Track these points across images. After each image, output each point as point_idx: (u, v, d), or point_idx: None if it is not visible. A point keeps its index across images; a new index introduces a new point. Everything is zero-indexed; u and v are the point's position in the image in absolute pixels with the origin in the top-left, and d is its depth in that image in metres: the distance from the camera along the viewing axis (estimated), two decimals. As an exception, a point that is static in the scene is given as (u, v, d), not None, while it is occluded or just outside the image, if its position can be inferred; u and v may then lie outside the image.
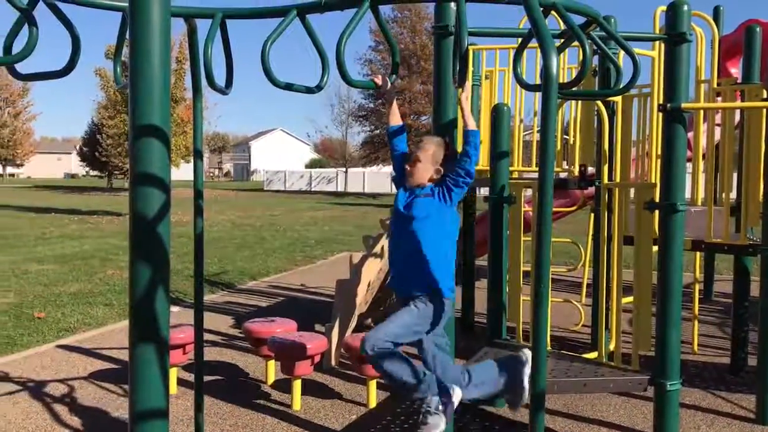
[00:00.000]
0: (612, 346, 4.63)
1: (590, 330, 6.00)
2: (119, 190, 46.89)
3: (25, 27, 2.61)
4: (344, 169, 57.47)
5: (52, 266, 11.12)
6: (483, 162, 6.17)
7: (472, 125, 3.28)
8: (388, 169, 54.81)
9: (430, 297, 3.38)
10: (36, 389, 4.96)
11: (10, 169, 73.66)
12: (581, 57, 2.57)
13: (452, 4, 3.51)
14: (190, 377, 5.05)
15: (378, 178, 56.31)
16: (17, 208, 27.80)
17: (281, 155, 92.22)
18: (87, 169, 63.25)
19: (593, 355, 4.71)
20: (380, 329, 3.37)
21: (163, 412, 2.38)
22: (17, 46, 2.61)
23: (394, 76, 3.12)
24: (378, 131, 48.78)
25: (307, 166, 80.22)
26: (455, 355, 3.84)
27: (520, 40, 5.18)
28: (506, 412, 4.57)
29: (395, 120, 3.53)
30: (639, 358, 4.17)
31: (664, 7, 3.83)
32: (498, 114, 4.72)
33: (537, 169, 6.22)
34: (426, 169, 3.38)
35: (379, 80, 3.31)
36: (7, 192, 45.74)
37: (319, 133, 75.50)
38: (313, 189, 59.28)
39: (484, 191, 8.52)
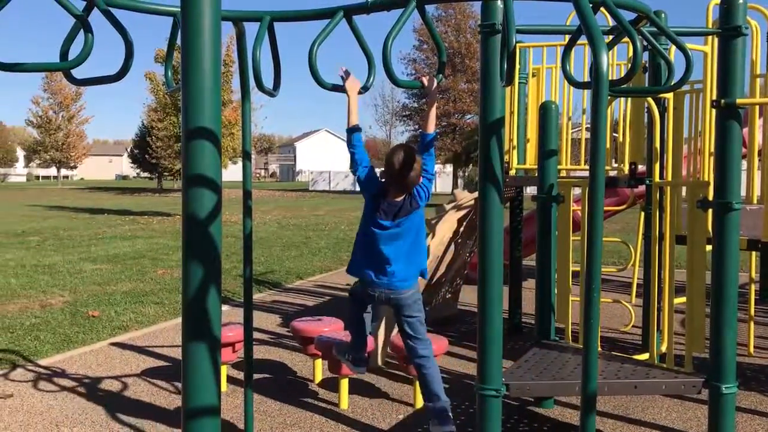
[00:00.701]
0: (664, 348, 4.54)
1: (641, 331, 5.88)
2: (169, 191, 47.88)
3: (81, 33, 2.69)
4: (389, 169, 57.51)
5: (105, 266, 11.41)
6: (530, 161, 6.11)
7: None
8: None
9: None
10: (91, 385, 5.10)
11: (64, 171, 75.82)
12: (631, 53, 2.53)
13: (499, 2, 3.48)
14: (240, 375, 5.13)
15: (422, 177, 56.21)
16: (72, 209, 28.62)
17: (326, 156, 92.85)
18: (137, 170, 64.86)
19: (644, 356, 4.62)
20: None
21: (215, 409, 2.42)
22: (73, 52, 2.69)
23: (440, 75, 3.11)
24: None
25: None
26: (503, 356, 3.82)
27: (567, 37, 5.10)
28: (555, 414, 4.52)
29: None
30: (692, 359, 4.07)
31: (717, 0, 3.73)
32: (546, 112, 4.67)
33: (586, 167, 6.14)
34: None
35: (426, 80, 3.33)
36: (62, 193, 47.12)
37: (363, 133, 75.62)
38: (357, 189, 59.53)
39: (531, 190, 8.44)
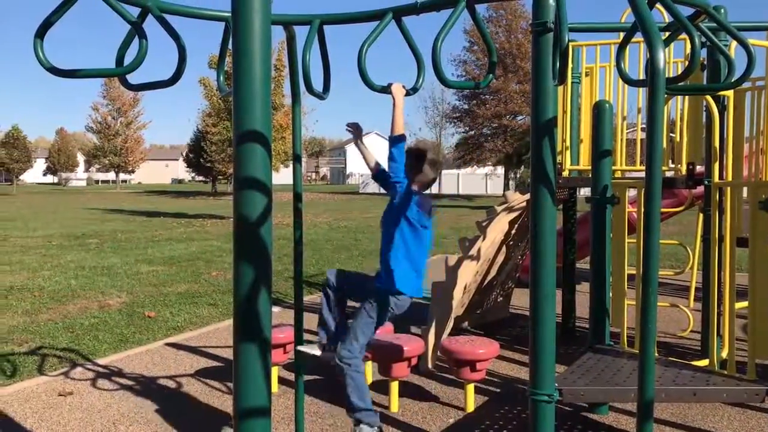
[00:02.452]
0: (725, 354, 4.38)
1: (699, 336, 5.70)
2: (222, 195, 48.72)
3: (135, 39, 2.75)
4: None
5: (161, 267, 11.67)
6: (584, 161, 6.00)
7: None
8: (483, 171, 54.36)
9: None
10: (147, 384, 5.21)
11: (122, 176, 77.91)
12: (689, 50, 2.45)
13: (551, 0, 3.42)
14: (291, 376, 5.17)
15: (472, 179, 55.93)
16: (129, 212, 29.40)
17: (377, 158, 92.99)
18: (192, 174, 66.19)
19: (704, 362, 4.48)
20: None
21: (266, 410, 2.43)
22: (127, 58, 2.76)
23: (490, 75, 3.07)
24: (473, 132, 48.42)
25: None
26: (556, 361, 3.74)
27: (621, 34, 4.99)
28: (610, 420, 4.41)
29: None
30: (755, 366, 3.93)
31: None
32: (600, 111, 4.57)
33: (641, 168, 5.99)
34: None
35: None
36: (120, 197, 48.46)
37: (413, 135, 75.65)
38: (407, 191, 59.49)
39: (584, 192, 8.28)
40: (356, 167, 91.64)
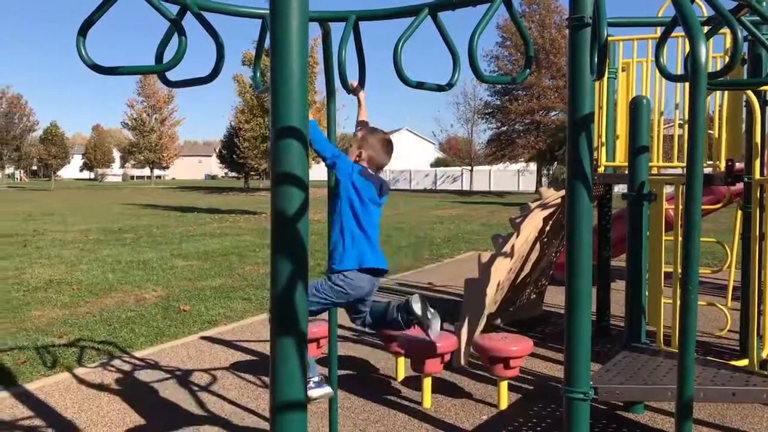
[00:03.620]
0: (765, 354, 4.30)
1: (737, 336, 5.60)
2: (255, 190, 49.14)
3: (174, 36, 2.79)
4: (470, 168, 57.16)
5: (195, 262, 11.82)
6: (620, 158, 5.93)
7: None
8: (515, 167, 53.99)
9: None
10: (182, 378, 5.29)
11: (157, 171, 79.10)
12: (730, 44, 2.41)
13: (588, -5, 3.39)
14: (324, 371, 5.20)
15: (504, 176, 55.57)
16: (164, 207, 29.82)
17: (406, 154, 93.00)
18: (225, 170, 66.95)
19: (743, 362, 4.40)
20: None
21: (302, 404, 2.45)
22: (166, 56, 2.80)
23: (527, 70, 3.05)
24: (505, 128, 48.12)
25: (432, 165, 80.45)
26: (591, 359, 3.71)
27: (659, 29, 4.91)
28: (645, 419, 4.36)
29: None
30: (797, 367, 3.85)
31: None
32: (636, 107, 4.51)
33: (678, 164, 5.90)
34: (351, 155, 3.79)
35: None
36: (155, 193, 49.16)
37: (444, 131, 75.39)
38: (438, 188, 59.41)
39: (619, 188, 8.18)
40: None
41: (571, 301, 3.55)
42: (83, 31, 2.64)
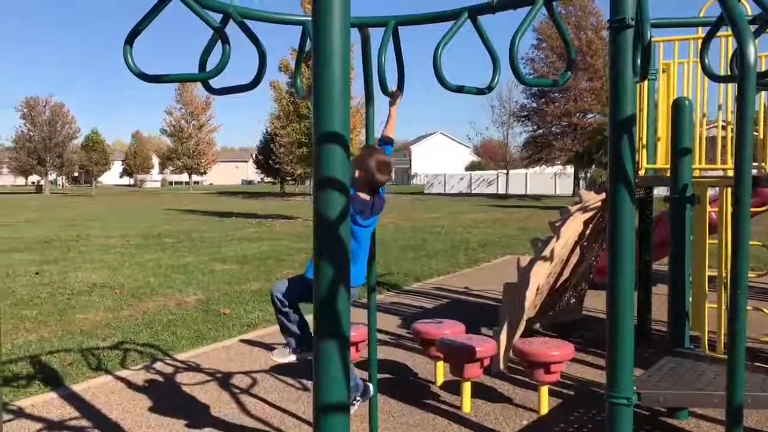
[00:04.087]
0: (814, 360, 4.19)
1: (785, 341, 5.47)
2: (291, 195, 49.53)
3: (218, 44, 2.84)
4: (505, 171, 56.79)
5: (234, 266, 11.96)
6: (661, 160, 5.84)
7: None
8: (552, 170, 53.48)
9: None
10: (223, 380, 5.35)
11: (194, 177, 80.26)
12: (779, 43, 2.36)
13: (629, -4, 3.35)
14: (363, 374, 5.22)
15: (541, 179, 55.09)
16: (202, 212, 30.24)
17: (441, 158, 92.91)
18: (261, 175, 67.66)
19: (791, 369, 4.29)
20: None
21: (345, 407, 2.47)
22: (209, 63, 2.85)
23: (568, 72, 3.03)
24: (541, 131, 47.75)
25: (467, 169, 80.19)
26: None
27: (701, 30, 4.84)
28: (690, 425, 4.28)
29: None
30: None
31: None
32: (679, 109, 4.45)
33: (721, 167, 5.79)
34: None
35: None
36: (193, 198, 49.87)
37: (479, 135, 75.04)
38: (473, 191, 59.16)
39: (660, 191, 8.06)
40: (421, 168, 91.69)
41: (612, 305, 3.51)
42: (130, 41, 2.70)
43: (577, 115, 45.25)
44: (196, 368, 5.68)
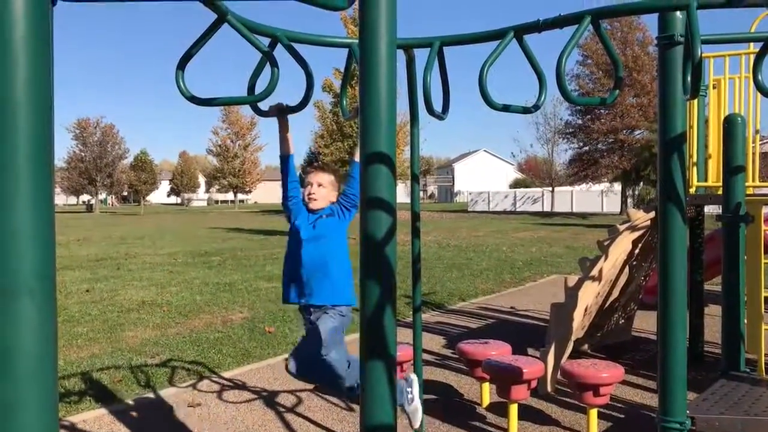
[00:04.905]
0: None
1: None
2: (334, 214, 49.65)
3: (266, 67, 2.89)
4: (550, 189, 56.20)
5: (278, 284, 11.97)
6: (713, 178, 5.71)
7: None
8: (599, 188, 52.75)
9: (344, 306, 3.89)
10: (269, 399, 5.39)
11: (240, 196, 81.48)
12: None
13: (678, 13, 3.31)
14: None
15: (587, 197, 54.38)
16: (248, 230, 30.64)
17: (485, 176, 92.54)
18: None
19: None
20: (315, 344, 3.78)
21: (392, 428, 2.46)
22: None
23: (617, 91, 3.00)
24: (587, 148, 47.19)
25: (511, 186, 79.66)
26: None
27: (752, 45, 4.74)
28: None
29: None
30: None
31: None
32: (731, 125, 4.35)
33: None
34: (329, 194, 3.98)
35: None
36: (239, 216, 50.58)
37: (523, 152, 74.58)
38: (517, 209, 58.66)
39: (711, 209, 7.86)
40: (464, 185, 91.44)
41: (664, 326, 3.44)
42: (182, 65, 2.76)
43: (624, 131, 44.60)
44: (242, 386, 5.72)
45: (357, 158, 3.76)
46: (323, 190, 3.98)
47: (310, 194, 3.99)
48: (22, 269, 1.30)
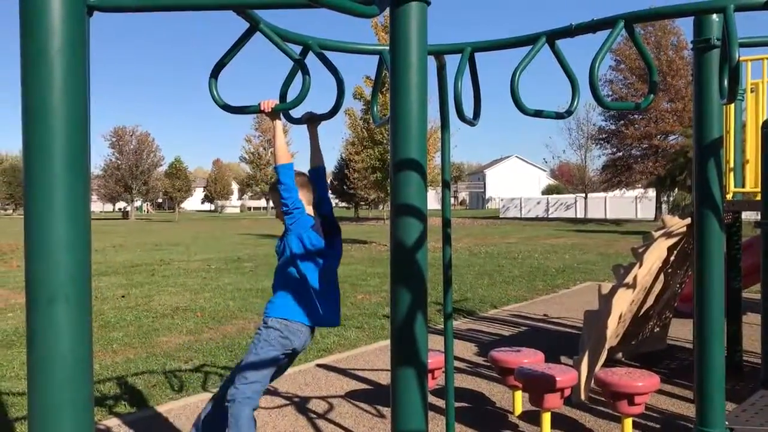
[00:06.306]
0: None
1: None
2: (364, 219, 49.89)
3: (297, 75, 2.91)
4: (583, 195, 55.61)
5: (309, 291, 12.08)
6: (751, 184, 5.60)
7: (280, 159, 3.55)
8: (633, 194, 52.05)
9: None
10: (301, 404, 5.40)
11: (272, 203, 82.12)
12: None
13: (714, 16, 3.26)
14: (438, 402, 5.17)
15: (621, 203, 53.68)
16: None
17: (517, 182, 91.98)
18: (336, 200, 68.68)
19: None
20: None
21: (423, 435, 2.45)
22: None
23: (651, 96, 2.96)
24: (620, 154, 46.61)
25: (543, 193, 79.01)
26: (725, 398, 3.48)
27: (795, 46, 4.61)
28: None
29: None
30: None
31: None
32: (769, 130, 4.26)
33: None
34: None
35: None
36: (271, 223, 50.94)
37: (556, 158, 73.96)
38: (550, 216, 58.13)
39: (749, 215, 7.70)
40: (496, 191, 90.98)
41: (700, 334, 3.38)
42: (215, 73, 2.80)
43: (658, 136, 43.95)
44: (274, 392, 5.75)
45: (277, 161, 3.61)
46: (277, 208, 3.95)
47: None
48: (58, 276, 1.33)
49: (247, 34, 2.65)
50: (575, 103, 3.04)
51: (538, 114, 3.12)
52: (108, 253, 21.86)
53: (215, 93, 2.81)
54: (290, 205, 3.62)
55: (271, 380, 3.87)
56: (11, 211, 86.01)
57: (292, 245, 3.77)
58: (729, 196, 5.68)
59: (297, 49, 2.97)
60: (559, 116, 3.16)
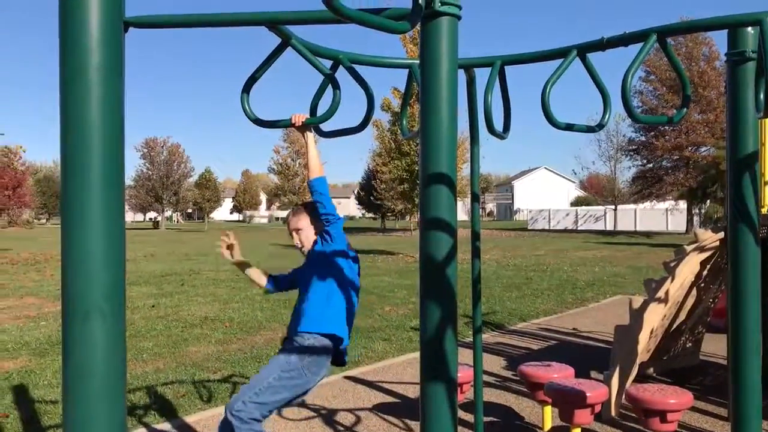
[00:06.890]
0: None
1: None
2: (391, 230, 49.87)
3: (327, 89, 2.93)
4: (613, 207, 55.02)
5: (337, 302, 12.10)
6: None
7: (314, 173, 3.64)
8: (663, 206, 51.37)
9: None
10: (328, 417, 5.40)
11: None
12: None
13: (749, 29, 3.21)
14: (466, 416, 5.13)
15: (651, 215, 53.03)
16: (307, 248, 30.90)
17: (545, 193, 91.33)
18: (363, 211, 68.90)
19: None
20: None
21: (452, 451, 2.43)
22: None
23: (684, 109, 2.92)
24: (651, 165, 46.06)
25: (572, 204, 78.33)
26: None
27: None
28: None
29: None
30: None
31: None
32: (806, 143, 4.17)
33: None
34: (309, 233, 3.91)
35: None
36: (298, 234, 51.15)
37: (585, 169, 73.30)
38: (579, 228, 57.58)
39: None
40: (524, 203, 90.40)
41: (735, 350, 3.31)
42: (247, 88, 2.82)
43: (690, 148, 43.37)
44: (301, 404, 5.75)
45: (312, 175, 3.70)
46: (303, 233, 3.92)
47: (296, 245, 4.00)
48: (94, 292, 1.35)
49: (278, 49, 2.67)
50: (607, 116, 3.02)
51: (569, 128, 3.10)
52: (140, 262, 22.13)
53: (247, 107, 2.84)
54: (333, 213, 3.68)
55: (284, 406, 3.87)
56: (45, 220, 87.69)
57: (336, 254, 3.80)
58: (764, 210, 5.58)
59: (327, 63, 2.99)
60: (590, 130, 3.13)
